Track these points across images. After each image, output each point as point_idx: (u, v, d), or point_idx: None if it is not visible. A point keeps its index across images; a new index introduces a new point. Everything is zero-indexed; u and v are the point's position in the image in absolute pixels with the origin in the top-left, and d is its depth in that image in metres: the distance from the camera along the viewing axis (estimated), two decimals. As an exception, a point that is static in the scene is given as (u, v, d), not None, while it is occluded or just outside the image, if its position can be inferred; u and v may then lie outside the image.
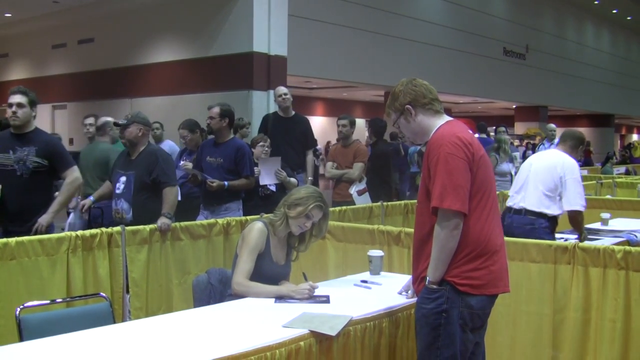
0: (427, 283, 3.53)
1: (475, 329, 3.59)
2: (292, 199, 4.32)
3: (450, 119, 3.72)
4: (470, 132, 3.68)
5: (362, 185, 8.48)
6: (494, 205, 3.63)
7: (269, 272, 4.26)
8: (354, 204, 7.98)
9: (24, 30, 19.66)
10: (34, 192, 5.64)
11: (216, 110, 7.10)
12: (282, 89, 8.89)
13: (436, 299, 3.50)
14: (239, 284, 4.13)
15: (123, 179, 6.09)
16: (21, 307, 3.77)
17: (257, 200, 7.41)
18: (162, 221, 5.72)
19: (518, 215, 6.33)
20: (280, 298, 4.02)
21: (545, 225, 6.22)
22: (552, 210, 6.24)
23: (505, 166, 11.02)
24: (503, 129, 12.69)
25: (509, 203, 6.54)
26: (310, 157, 8.88)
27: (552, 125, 13.20)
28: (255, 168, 7.26)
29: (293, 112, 8.91)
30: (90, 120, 8.44)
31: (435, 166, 3.45)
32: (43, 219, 5.56)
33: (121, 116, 6.52)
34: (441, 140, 3.50)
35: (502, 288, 3.60)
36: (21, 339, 3.57)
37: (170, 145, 9.52)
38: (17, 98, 5.64)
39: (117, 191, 6.10)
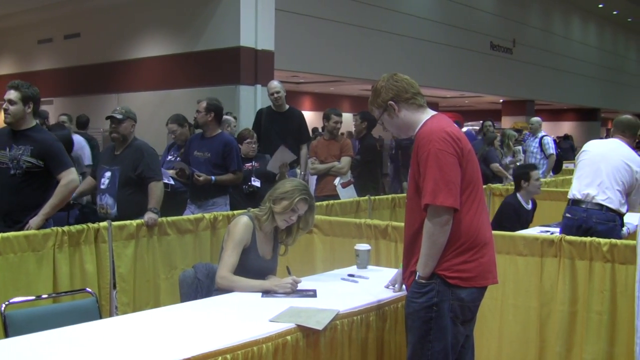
0: (417, 278, 3.53)
1: (465, 321, 3.60)
2: (277, 193, 4.31)
3: (435, 113, 3.72)
4: (457, 126, 3.68)
5: (347, 178, 8.45)
6: (482, 198, 3.65)
7: (255, 267, 4.25)
8: (338, 198, 7.94)
9: (9, 25, 19.54)
10: (25, 192, 5.42)
11: (203, 104, 7.11)
12: (274, 87, 8.77)
13: (426, 292, 3.50)
14: (223, 278, 4.12)
15: (108, 174, 6.05)
16: (6, 303, 3.76)
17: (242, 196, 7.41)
18: (149, 216, 5.71)
19: (599, 211, 6.00)
20: (266, 292, 4.02)
21: (621, 223, 6.04)
22: (624, 208, 6.05)
23: (509, 161, 11.06)
24: (489, 123, 12.67)
25: (579, 195, 6.20)
26: (304, 151, 8.83)
27: (534, 119, 13.17)
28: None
29: (287, 107, 8.85)
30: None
31: (426, 162, 3.44)
32: (33, 222, 5.27)
33: (108, 111, 6.46)
34: (430, 136, 3.49)
35: (491, 280, 3.61)
36: (6, 335, 3.56)
37: (78, 141, 9.88)
38: (8, 94, 5.46)
39: (102, 186, 6.07)
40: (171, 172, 7.10)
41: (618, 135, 6.33)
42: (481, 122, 14.18)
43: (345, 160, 8.43)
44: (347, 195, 8.20)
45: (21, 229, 5.22)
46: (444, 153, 3.42)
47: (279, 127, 8.59)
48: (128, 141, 6.15)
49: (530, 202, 7.53)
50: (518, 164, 11.01)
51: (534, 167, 7.89)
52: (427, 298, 3.50)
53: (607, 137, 6.89)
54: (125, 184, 5.98)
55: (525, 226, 7.44)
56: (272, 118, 8.73)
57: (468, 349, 3.77)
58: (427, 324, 3.51)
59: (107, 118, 6.25)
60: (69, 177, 5.48)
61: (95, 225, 5.41)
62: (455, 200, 3.40)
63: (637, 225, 4.35)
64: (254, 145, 7.72)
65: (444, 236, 3.44)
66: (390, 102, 3.68)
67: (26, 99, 5.48)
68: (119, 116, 6.08)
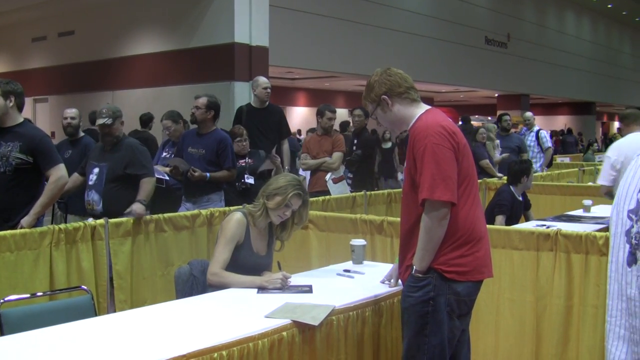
0: (413, 272, 3.53)
1: (462, 315, 3.60)
2: (270, 189, 4.31)
3: (429, 107, 3.71)
4: (451, 120, 3.68)
5: (339, 174, 8.46)
6: (477, 193, 3.65)
7: (249, 263, 4.25)
8: (329, 194, 7.94)
9: (3, 23, 19.50)
10: (16, 190, 5.35)
11: (203, 101, 7.07)
12: (266, 82, 8.78)
13: (423, 287, 3.50)
14: (214, 274, 4.13)
15: (96, 170, 6.04)
16: (1, 301, 3.76)
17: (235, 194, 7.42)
18: (137, 207, 5.69)
19: None
20: (259, 288, 4.02)
21: None
22: None
23: (497, 154, 11.07)
24: (507, 117, 12.65)
25: None
26: (286, 146, 8.85)
27: (529, 114, 13.26)
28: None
29: (267, 103, 8.85)
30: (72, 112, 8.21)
31: (422, 157, 3.43)
32: (24, 221, 5.24)
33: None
34: (426, 131, 3.48)
35: (487, 274, 3.61)
36: (2, 333, 3.55)
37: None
38: None
39: (90, 182, 6.06)
40: (166, 169, 7.08)
41: (635, 127, 6.52)
42: (489, 117, 14.13)
43: (337, 156, 8.45)
44: (339, 191, 8.21)
45: (12, 227, 5.17)
46: (440, 147, 3.42)
47: (260, 123, 8.58)
48: (118, 139, 6.13)
49: (521, 195, 7.59)
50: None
51: (531, 162, 7.98)
52: (424, 292, 3.50)
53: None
54: (112, 181, 5.97)
55: (518, 217, 7.49)
56: (253, 115, 8.71)
57: (464, 343, 3.77)
58: (424, 318, 3.51)
59: (96, 125, 6.21)
60: (58, 173, 5.41)
61: (92, 222, 5.41)
62: (453, 194, 3.40)
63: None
64: (244, 143, 7.72)
65: (442, 230, 3.44)
66: (384, 96, 3.68)
67: (6, 93, 5.37)
68: (109, 121, 6.04)
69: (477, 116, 28.14)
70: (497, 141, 11.62)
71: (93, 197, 5.99)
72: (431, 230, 3.43)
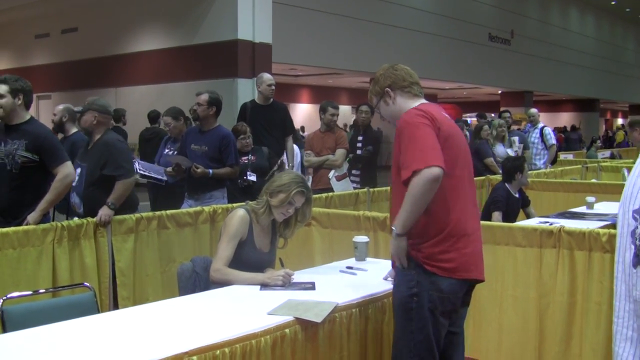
0: (393, 233, 3.47)
1: (445, 313, 3.54)
2: (274, 186, 4.29)
3: (427, 102, 3.71)
4: (444, 114, 3.66)
5: (343, 171, 8.43)
6: (468, 188, 3.59)
7: (253, 260, 4.25)
8: (333, 191, 7.92)
9: (6, 20, 19.52)
10: (23, 188, 5.33)
11: (204, 97, 7.05)
12: (270, 78, 8.76)
13: (407, 281, 3.50)
14: (217, 271, 4.12)
15: (78, 170, 5.83)
16: (4, 298, 3.75)
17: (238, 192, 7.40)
18: (103, 211, 5.48)
19: None
20: (262, 285, 4.01)
21: None
22: None
23: (501, 150, 11.01)
24: (508, 114, 12.64)
25: None
26: (290, 143, 8.83)
27: (534, 110, 13.25)
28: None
29: (271, 100, 8.82)
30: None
31: (406, 137, 3.41)
32: (31, 217, 5.21)
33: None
34: (408, 114, 3.52)
35: (475, 274, 3.55)
36: (4, 330, 3.55)
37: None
38: None
39: (73, 183, 5.80)
40: (168, 169, 7.05)
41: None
42: (492, 114, 14.10)
43: (340, 153, 8.41)
44: (342, 188, 8.17)
45: (20, 224, 5.15)
46: (423, 125, 3.41)
47: (264, 120, 8.55)
48: (95, 135, 5.90)
49: (517, 192, 7.59)
50: (514, 154, 10.96)
51: (525, 159, 7.99)
52: (407, 288, 3.49)
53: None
54: (91, 183, 5.75)
55: (515, 214, 7.51)
56: (257, 111, 8.68)
57: (459, 345, 3.75)
58: (408, 314, 3.50)
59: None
60: (65, 171, 5.36)
61: (95, 219, 5.40)
62: (442, 161, 3.31)
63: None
64: (248, 140, 7.71)
65: (429, 195, 3.31)
66: (387, 88, 3.71)
67: (15, 91, 5.36)
68: (77, 109, 5.93)
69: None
70: (515, 137, 11.58)
71: (75, 200, 5.84)
72: (417, 193, 3.30)
